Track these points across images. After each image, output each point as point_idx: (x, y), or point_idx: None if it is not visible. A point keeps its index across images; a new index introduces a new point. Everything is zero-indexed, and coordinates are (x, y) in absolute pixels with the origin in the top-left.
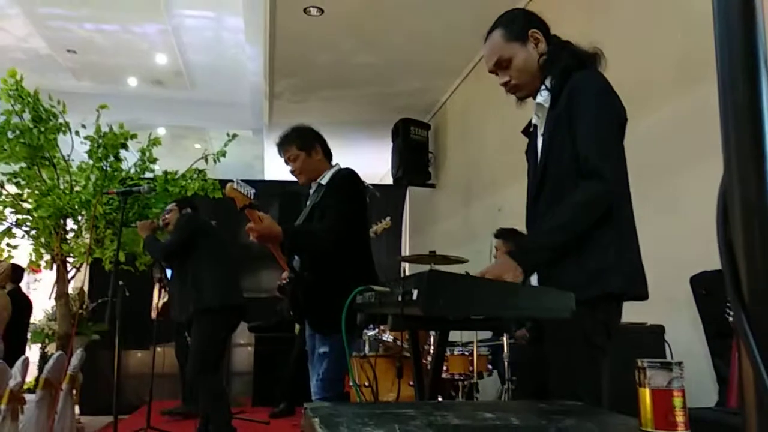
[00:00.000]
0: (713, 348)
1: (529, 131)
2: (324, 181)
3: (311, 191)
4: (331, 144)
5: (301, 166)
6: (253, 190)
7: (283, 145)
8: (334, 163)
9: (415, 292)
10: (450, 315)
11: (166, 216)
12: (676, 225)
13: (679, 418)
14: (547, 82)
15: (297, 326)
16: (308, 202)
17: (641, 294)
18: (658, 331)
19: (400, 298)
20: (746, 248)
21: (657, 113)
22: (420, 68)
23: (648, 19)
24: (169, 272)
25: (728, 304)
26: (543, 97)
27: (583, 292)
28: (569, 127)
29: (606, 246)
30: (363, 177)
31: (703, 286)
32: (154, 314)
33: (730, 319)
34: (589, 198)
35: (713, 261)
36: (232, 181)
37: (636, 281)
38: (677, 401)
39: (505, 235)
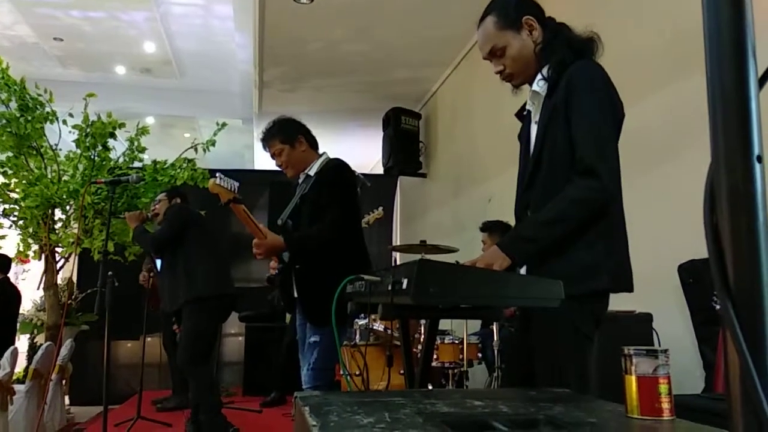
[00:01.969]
0: (700, 335)
1: (523, 114)
2: (312, 171)
3: (300, 181)
4: (321, 133)
5: (286, 160)
6: (237, 184)
7: (267, 140)
8: (322, 151)
9: (405, 281)
10: (440, 304)
11: (156, 206)
12: (665, 213)
13: (665, 404)
14: (544, 71)
15: (288, 315)
16: (297, 192)
17: (626, 289)
18: (646, 319)
19: (390, 288)
20: (733, 237)
21: (647, 102)
22: (411, 57)
23: (638, 9)
24: (158, 262)
25: (715, 293)
26: (539, 86)
27: (572, 288)
28: (565, 119)
29: (596, 243)
30: (353, 166)
31: (690, 274)
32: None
33: (717, 307)
34: (583, 195)
35: (701, 249)
36: (215, 173)
37: (622, 278)
38: (663, 388)
39: (490, 227)
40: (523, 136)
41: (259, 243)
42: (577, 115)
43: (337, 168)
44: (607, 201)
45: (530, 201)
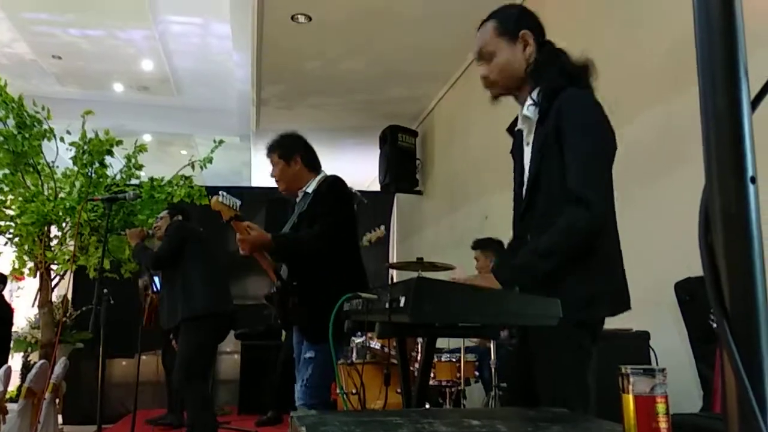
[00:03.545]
0: (698, 354)
1: (515, 130)
2: (310, 189)
3: (298, 199)
4: (319, 150)
5: (279, 174)
6: (239, 202)
7: (269, 151)
8: (321, 172)
9: (402, 299)
10: (437, 322)
11: (158, 223)
12: (661, 231)
13: (662, 424)
14: (534, 95)
15: (284, 333)
16: (296, 210)
17: (624, 310)
18: (644, 337)
19: (387, 305)
20: (727, 257)
21: (642, 118)
22: (408, 75)
23: (635, 25)
24: (156, 279)
25: (712, 310)
26: (530, 111)
27: (570, 317)
28: (558, 148)
29: (593, 273)
30: (350, 183)
31: (687, 292)
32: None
33: (714, 325)
34: (573, 225)
35: (697, 267)
36: (218, 191)
37: (621, 303)
38: (660, 407)
39: (482, 245)
40: (516, 153)
41: (243, 239)
42: (568, 145)
43: (333, 183)
44: (598, 229)
45: (530, 224)
